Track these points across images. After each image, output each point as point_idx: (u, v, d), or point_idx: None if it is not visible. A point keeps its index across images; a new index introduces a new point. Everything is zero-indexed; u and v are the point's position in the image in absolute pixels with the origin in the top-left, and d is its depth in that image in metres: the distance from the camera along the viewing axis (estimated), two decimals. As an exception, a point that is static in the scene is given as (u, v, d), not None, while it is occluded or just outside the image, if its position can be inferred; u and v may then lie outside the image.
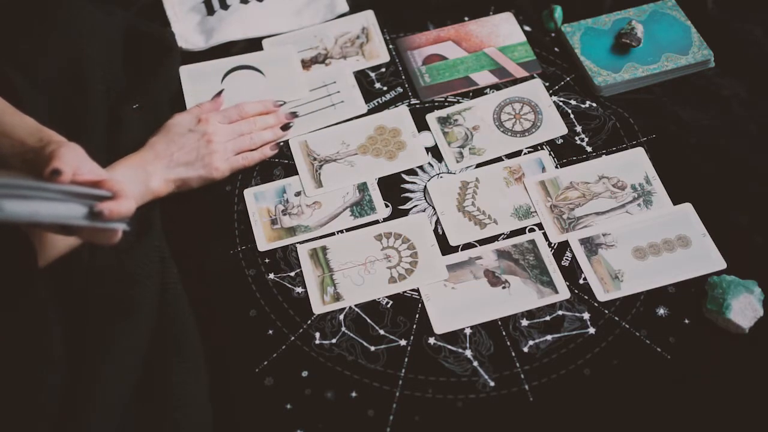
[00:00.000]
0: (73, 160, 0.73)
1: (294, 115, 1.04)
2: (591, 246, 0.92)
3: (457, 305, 0.89)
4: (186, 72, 1.08)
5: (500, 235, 0.94)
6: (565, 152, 1.00)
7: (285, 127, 1.02)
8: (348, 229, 0.96)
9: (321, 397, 0.84)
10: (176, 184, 0.95)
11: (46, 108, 0.93)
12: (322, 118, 1.05)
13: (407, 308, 0.89)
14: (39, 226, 0.73)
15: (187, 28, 1.14)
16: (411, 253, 0.93)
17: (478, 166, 1.00)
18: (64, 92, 0.97)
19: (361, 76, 1.09)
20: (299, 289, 0.91)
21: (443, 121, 1.04)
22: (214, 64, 1.09)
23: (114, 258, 0.86)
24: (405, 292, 0.91)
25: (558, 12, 1.12)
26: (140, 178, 0.91)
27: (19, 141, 0.78)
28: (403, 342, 0.87)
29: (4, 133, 0.79)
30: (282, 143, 1.02)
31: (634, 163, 0.98)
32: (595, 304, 0.89)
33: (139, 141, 0.96)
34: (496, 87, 1.07)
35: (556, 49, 1.11)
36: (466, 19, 1.14)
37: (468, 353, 0.86)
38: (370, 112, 1.05)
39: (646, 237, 0.92)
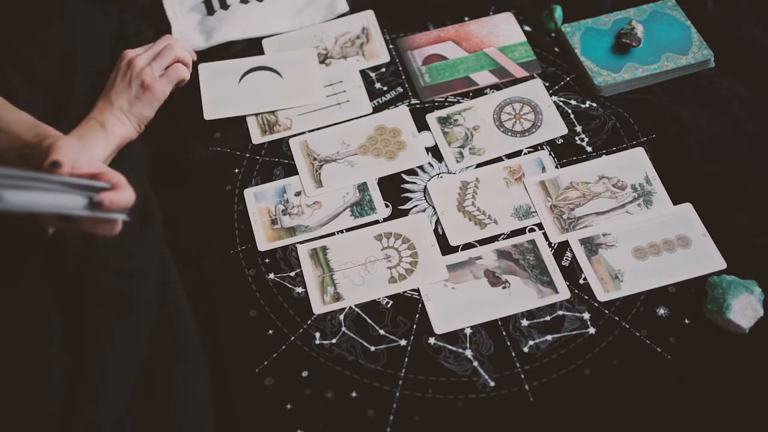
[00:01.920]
0: (72, 152, 0.73)
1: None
2: (591, 246, 0.92)
3: (457, 305, 0.89)
4: (205, 69, 1.08)
5: (500, 235, 0.94)
6: (565, 152, 1.00)
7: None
8: (348, 229, 0.96)
9: (321, 397, 0.84)
10: (131, 120, 0.96)
11: (42, 105, 0.94)
12: (326, 117, 1.05)
13: (407, 308, 0.89)
14: (39, 216, 0.73)
15: (187, 27, 1.14)
16: (411, 253, 0.93)
17: (478, 166, 1.00)
18: (60, 91, 0.97)
19: (361, 76, 1.09)
20: (299, 289, 0.91)
21: (443, 121, 1.04)
22: (233, 63, 1.09)
23: (112, 255, 0.86)
24: (405, 292, 0.91)
25: (558, 12, 1.12)
26: (97, 131, 0.92)
27: (16, 136, 0.79)
28: (403, 342, 0.87)
29: (1, 129, 0.80)
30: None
31: (634, 163, 0.98)
32: (595, 304, 0.89)
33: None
34: (496, 87, 1.07)
35: (556, 49, 1.11)
36: (466, 19, 1.14)
37: (468, 353, 0.86)
38: (371, 112, 1.05)
39: (646, 237, 0.92)
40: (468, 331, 0.88)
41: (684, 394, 0.82)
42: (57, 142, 0.74)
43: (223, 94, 1.06)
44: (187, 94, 1.05)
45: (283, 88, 1.07)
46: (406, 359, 0.86)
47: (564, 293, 0.89)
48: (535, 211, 0.95)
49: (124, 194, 0.74)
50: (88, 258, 0.85)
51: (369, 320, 0.89)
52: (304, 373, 0.85)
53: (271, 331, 0.88)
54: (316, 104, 1.06)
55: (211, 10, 1.15)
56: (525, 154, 1.01)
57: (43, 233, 0.81)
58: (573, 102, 1.05)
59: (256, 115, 1.05)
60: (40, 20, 1.01)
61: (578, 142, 1.01)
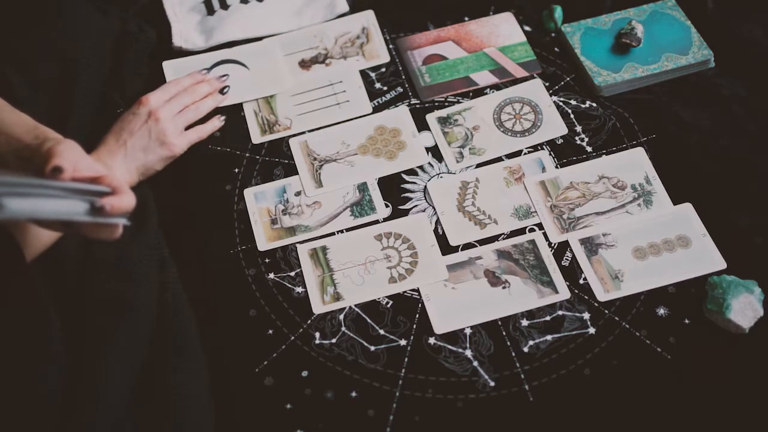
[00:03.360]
0: (72, 156, 0.73)
1: (223, 78, 1.06)
2: (591, 246, 0.92)
3: (457, 305, 0.89)
4: (170, 66, 1.09)
5: (500, 235, 0.94)
6: (565, 152, 1.00)
7: (222, 91, 1.05)
8: (348, 229, 0.96)
9: (321, 397, 0.84)
10: (139, 171, 0.94)
11: (43, 107, 0.94)
12: (326, 117, 1.05)
13: (407, 308, 0.89)
14: (41, 223, 0.73)
15: (187, 28, 1.14)
16: (411, 253, 0.93)
17: (478, 166, 1.00)
18: (60, 91, 0.97)
19: (361, 76, 1.09)
20: (299, 289, 0.91)
21: (443, 121, 1.04)
22: (198, 58, 1.10)
23: (111, 255, 0.86)
24: (405, 292, 0.91)
25: (558, 12, 1.12)
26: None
27: (15, 138, 0.78)
28: (403, 342, 0.87)
29: (1, 131, 0.79)
30: (224, 118, 1.04)
31: (634, 163, 0.98)
32: (595, 304, 0.89)
33: None
34: (496, 87, 1.07)
35: (556, 49, 1.11)
36: (466, 19, 1.14)
37: (468, 353, 0.86)
38: (371, 112, 1.05)
39: (646, 237, 0.92)
40: (468, 331, 0.87)
41: (684, 394, 0.82)
42: (57, 146, 0.73)
43: None
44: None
45: (251, 79, 1.08)
46: (406, 359, 0.86)
47: (564, 293, 0.89)
48: (535, 211, 0.95)
49: (125, 198, 0.73)
50: (87, 259, 0.85)
51: (369, 320, 0.89)
52: (304, 373, 0.85)
53: (271, 331, 0.88)
54: (316, 105, 1.06)
55: (211, 10, 1.15)
56: (525, 154, 1.01)
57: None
58: (573, 102, 1.05)
59: (228, 107, 1.06)
60: (40, 20, 1.01)
61: (578, 142, 1.01)
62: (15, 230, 0.78)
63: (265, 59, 1.10)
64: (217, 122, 1.03)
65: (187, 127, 1.00)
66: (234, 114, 1.05)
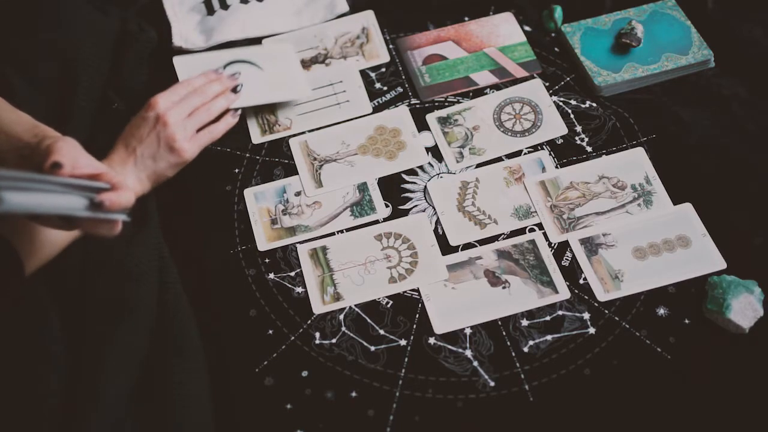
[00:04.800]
0: (71, 153, 0.73)
1: (236, 75, 1.01)
2: (591, 246, 0.92)
3: (457, 305, 0.89)
4: (180, 62, 1.05)
5: (500, 235, 0.94)
6: (565, 152, 1.00)
7: (235, 90, 1.00)
8: (348, 229, 0.96)
9: (321, 397, 0.84)
10: (150, 179, 0.92)
11: (43, 107, 0.94)
12: (326, 117, 1.05)
13: (407, 308, 0.89)
14: (40, 218, 0.73)
15: (187, 27, 1.14)
16: (411, 253, 0.93)
17: (478, 166, 1.00)
18: (60, 91, 0.97)
19: (361, 76, 1.09)
20: (299, 289, 0.91)
21: (443, 121, 1.04)
22: (210, 56, 1.06)
23: (111, 256, 0.86)
24: (405, 292, 0.91)
25: (558, 12, 1.12)
26: None
27: (15, 137, 0.79)
28: (403, 342, 0.87)
29: (1, 129, 0.79)
30: (240, 110, 1.01)
31: (634, 163, 0.98)
32: (595, 304, 0.89)
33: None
34: (496, 87, 1.07)
35: (556, 49, 1.11)
36: (466, 19, 1.14)
37: (468, 353, 0.86)
38: (371, 112, 1.05)
39: (646, 237, 0.92)
40: (468, 331, 0.88)
41: (684, 394, 0.82)
42: (56, 143, 0.74)
43: None
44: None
45: (265, 82, 1.05)
46: (406, 359, 0.86)
47: (564, 293, 0.89)
48: (535, 211, 0.95)
49: (124, 195, 0.74)
50: (87, 259, 0.85)
51: (369, 320, 0.89)
52: (304, 373, 0.85)
53: (271, 331, 0.88)
54: (309, 100, 1.05)
55: (211, 10, 1.15)
56: (525, 154, 1.01)
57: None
58: (573, 102, 1.05)
59: (237, 109, 1.02)
60: (40, 20, 1.01)
61: (578, 142, 1.01)
62: (19, 240, 0.78)
63: (280, 63, 1.07)
64: (231, 119, 0.99)
65: (199, 129, 0.96)
66: (234, 114, 1.05)
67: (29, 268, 0.78)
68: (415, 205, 0.97)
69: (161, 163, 0.91)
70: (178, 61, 1.05)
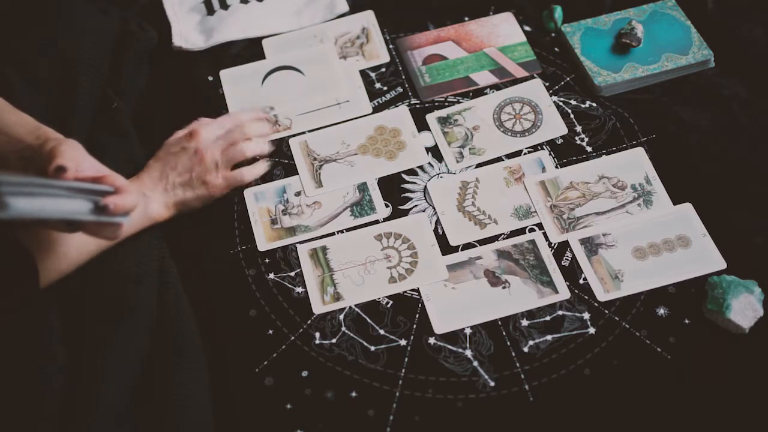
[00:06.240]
0: (75, 156, 0.73)
1: (278, 125, 1.03)
2: (591, 246, 0.92)
3: (457, 305, 0.89)
4: (227, 75, 1.08)
5: (500, 235, 0.94)
6: (565, 152, 1.00)
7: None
8: (348, 229, 0.96)
9: (321, 397, 0.84)
10: (177, 207, 0.92)
11: (43, 107, 0.93)
12: (326, 117, 1.05)
13: (407, 308, 0.89)
14: (45, 222, 0.73)
15: (187, 27, 1.14)
16: (411, 253, 0.93)
17: (478, 166, 1.00)
18: (60, 91, 0.97)
19: (361, 76, 1.09)
20: (299, 289, 0.91)
21: (443, 121, 1.04)
22: (254, 66, 1.09)
23: (111, 256, 0.86)
24: (405, 292, 0.91)
25: (558, 12, 1.12)
26: (139, 204, 0.85)
27: (17, 138, 0.78)
28: (403, 342, 0.87)
29: (2, 131, 0.79)
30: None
31: (634, 163, 0.98)
32: (595, 304, 0.89)
33: (116, 143, 0.96)
34: (496, 87, 1.07)
35: (556, 49, 1.11)
36: (466, 19, 1.14)
37: (468, 353, 0.86)
38: (371, 112, 1.05)
39: (646, 237, 0.92)
40: (468, 331, 0.87)
41: (684, 394, 0.82)
42: (60, 146, 0.73)
43: (248, 98, 1.06)
44: (190, 97, 1.05)
45: (307, 86, 1.07)
46: (406, 359, 0.86)
47: (564, 293, 0.89)
48: (535, 211, 0.95)
49: (128, 198, 0.74)
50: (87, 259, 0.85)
51: (369, 320, 0.89)
52: (304, 373, 0.85)
53: (271, 331, 0.88)
54: (315, 104, 1.06)
55: (211, 10, 1.15)
56: (525, 154, 1.01)
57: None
58: (573, 102, 1.05)
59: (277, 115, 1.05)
60: (40, 20, 1.01)
61: (578, 142, 1.01)
62: (39, 251, 0.77)
63: (322, 66, 1.09)
64: (261, 169, 0.98)
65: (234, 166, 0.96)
66: (234, 114, 1.05)
67: (46, 280, 0.78)
68: (415, 205, 0.97)
69: (189, 194, 0.92)
70: (224, 74, 1.08)
